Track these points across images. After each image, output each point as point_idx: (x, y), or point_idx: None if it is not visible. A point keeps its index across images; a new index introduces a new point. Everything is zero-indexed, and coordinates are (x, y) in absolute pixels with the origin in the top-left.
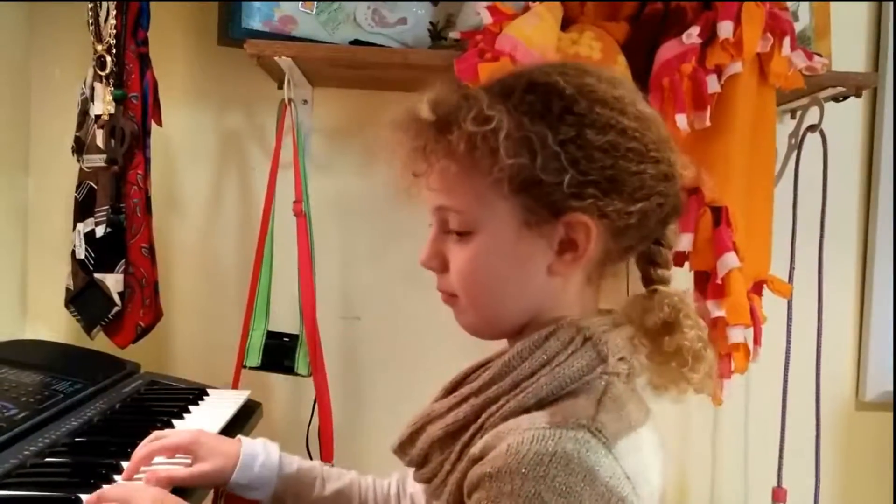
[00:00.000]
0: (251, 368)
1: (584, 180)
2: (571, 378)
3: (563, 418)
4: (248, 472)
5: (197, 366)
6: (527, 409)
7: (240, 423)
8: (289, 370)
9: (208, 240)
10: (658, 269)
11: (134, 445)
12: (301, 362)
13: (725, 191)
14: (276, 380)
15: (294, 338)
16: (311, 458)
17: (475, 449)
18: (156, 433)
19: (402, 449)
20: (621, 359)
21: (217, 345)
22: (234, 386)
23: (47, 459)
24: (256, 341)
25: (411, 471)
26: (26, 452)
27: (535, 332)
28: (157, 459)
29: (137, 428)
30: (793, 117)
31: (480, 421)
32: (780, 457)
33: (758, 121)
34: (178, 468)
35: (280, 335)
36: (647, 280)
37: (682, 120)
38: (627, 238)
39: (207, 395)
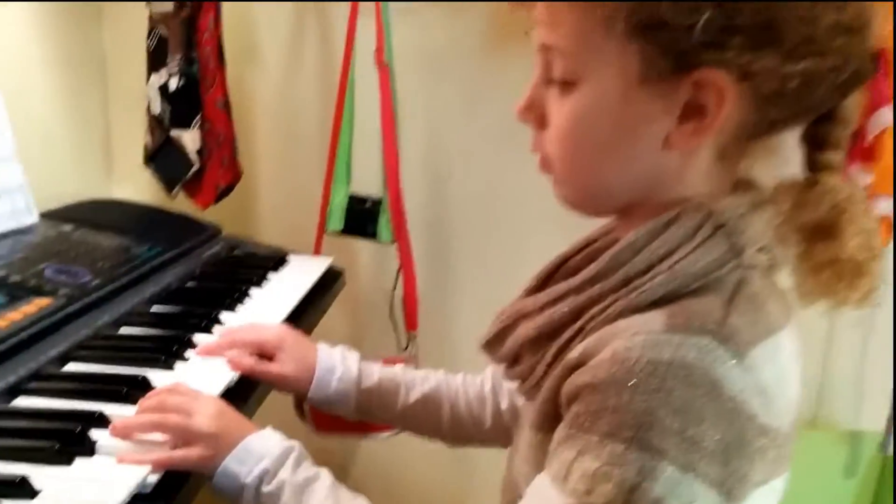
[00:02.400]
0: (333, 233)
1: (726, 25)
2: (696, 275)
3: (684, 321)
4: (324, 388)
5: (278, 228)
6: (638, 310)
7: (321, 292)
8: (372, 236)
9: (286, 93)
10: (825, 153)
11: (210, 317)
12: (384, 228)
13: (885, 31)
14: (360, 245)
15: (377, 202)
16: (394, 328)
17: (573, 354)
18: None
19: (490, 346)
20: (761, 248)
21: (299, 206)
22: (317, 250)
23: (121, 331)
24: (338, 205)
25: None
26: (99, 323)
27: (651, 215)
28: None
29: (215, 297)
30: None
31: (580, 323)
32: None
33: None
34: (262, 362)
35: (362, 199)
36: (810, 164)
37: None
38: (779, 108)
39: (288, 261)
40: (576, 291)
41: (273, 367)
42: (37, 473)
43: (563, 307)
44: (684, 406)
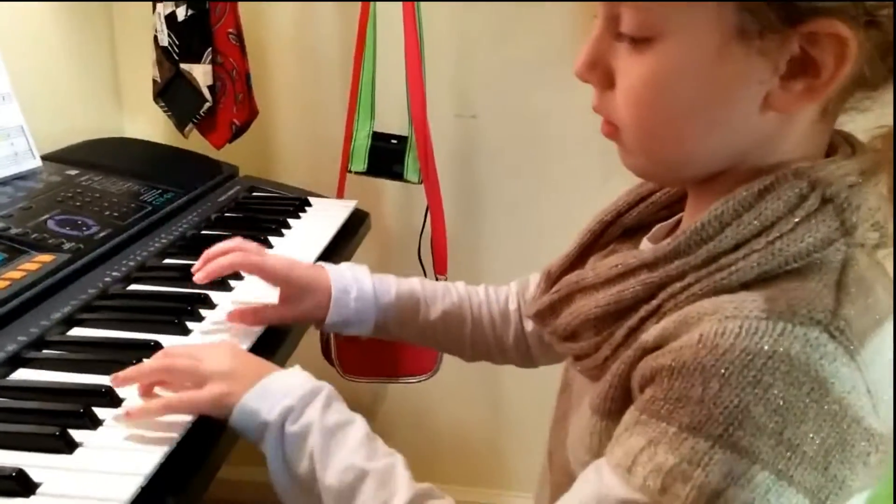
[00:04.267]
0: (357, 174)
1: None
2: (798, 255)
3: (788, 307)
4: (343, 310)
5: (299, 168)
6: (727, 291)
7: (347, 237)
8: (398, 176)
9: (304, 26)
10: None
11: None
12: (411, 168)
13: None
14: (385, 185)
15: (403, 140)
16: (423, 270)
17: (648, 336)
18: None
19: (542, 317)
20: (873, 225)
21: (320, 145)
22: (340, 192)
23: (130, 287)
24: (361, 144)
25: (532, 281)
26: (107, 279)
27: (739, 182)
28: (245, 291)
29: None
30: None
31: (656, 302)
32: None
33: None
34: (273, 306)
35: (387, 137)
36: None
37: None
38: None
39: (310, 205)
40: (649, 267)
41: (291, 309)
42: (36, 463)
43: (634, 284)
44: (784, 405)
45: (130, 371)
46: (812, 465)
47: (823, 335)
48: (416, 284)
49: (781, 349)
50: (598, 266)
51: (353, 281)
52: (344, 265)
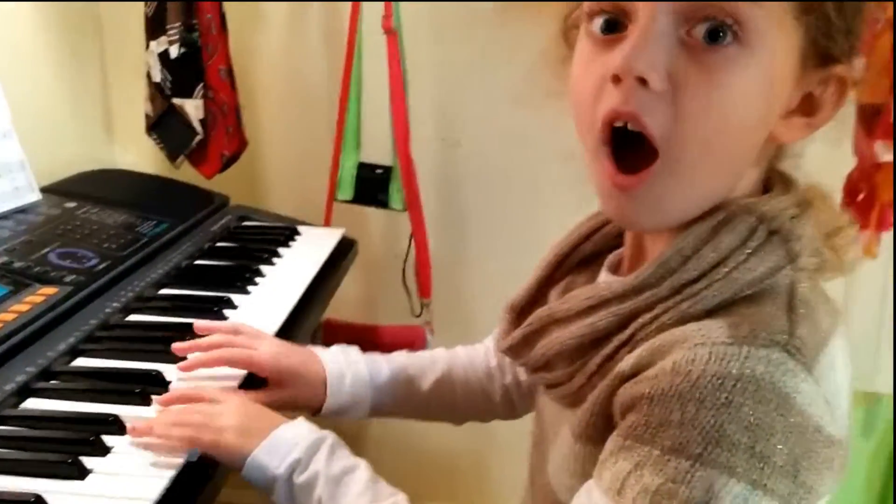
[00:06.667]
0: (343, 202)
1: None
2: (751, 283)
3: (750, 331)
4: (339, 396)
5: (288, 197)
6: (693, 319)
7: (335, 266)
8: (382, 204)
9: (291, 58)
10: None
11: (222, 301)
12: (395, 196)
13: None
14: (371, 212)
15: (387, 169)
16: (408, 294)
17: (623, 366)
18: (232, 330)
19: (515, 351)
20: (813, 252)
21: (308, 174)
22: (327, 220)
23: (129, 318)
24: (348, 173)
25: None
26: (108, 310)
27: (697, 219)
28: (239, 319)
29: (226, 278)
30: None
31: (629, 332)
32: None
33: None
34: (268, 391)
35: (372, 167)
36: None
37: None
38: None
39: (299, 233)
40: (620, 299)
41: (281, 394)
42: (51, 489)
43: (607, 315)
44: (754, 421)
45: (146, 425)
46: (783, 473)
47: (783, 354)
48: (405, 360)
49: (748, 371)
50: (570, 299)
51: (347, 365)
52: (335, 348)
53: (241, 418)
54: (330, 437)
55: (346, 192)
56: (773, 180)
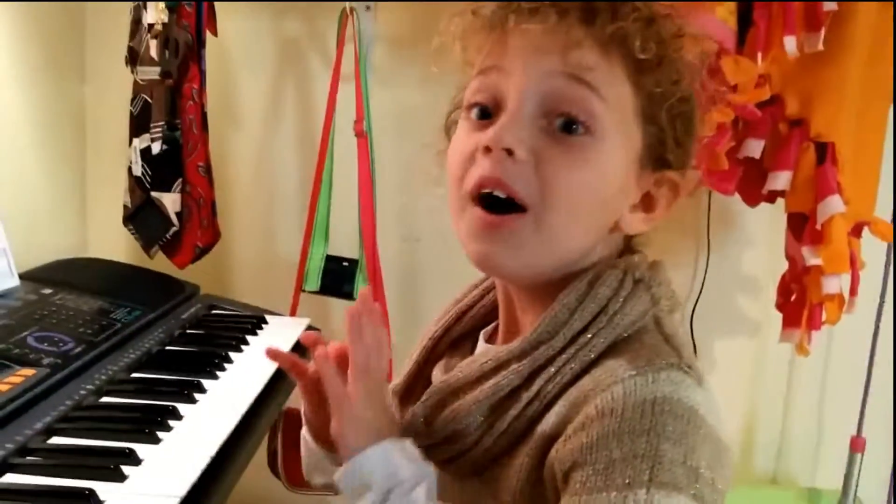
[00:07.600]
0: (310, 293)
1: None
2: (630, 325)
3: (647, 361)
4: None
5: (256, 287)
6: (591, 365)
7: (299, 352)
8: (348, 296)
9: (266, 157)
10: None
11: (192, 385)
12: (360, 288)
13: (834, 124)
14: (336, 304)
15: (354, 263)
16: None
17: (544, 426)
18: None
19: (416, 429)
20: (668, 294)
21: (276, 266)
22: (293, 310)
23: (103, 400)
24: (315, 265)
25: None
26: (82, 392)
27: (568, 282)
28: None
29: (196, 363)
30: None
31: (536, 388)
32: (863, 406)
33: (876, 44)
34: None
35: (339, 259)
36: None
37: (790, 43)
38: None
39: (266, 322)
40: (518, 358)
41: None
42: None
43: (507, 374)
44: (678, 436)
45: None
46: (706, 482)
47: (680, 373)
48: None
49: (659, 393)
50: (463, 368)
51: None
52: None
53: (369, 411)
54: (407, 481)
55: (313, 283)
56: (628, 246)
